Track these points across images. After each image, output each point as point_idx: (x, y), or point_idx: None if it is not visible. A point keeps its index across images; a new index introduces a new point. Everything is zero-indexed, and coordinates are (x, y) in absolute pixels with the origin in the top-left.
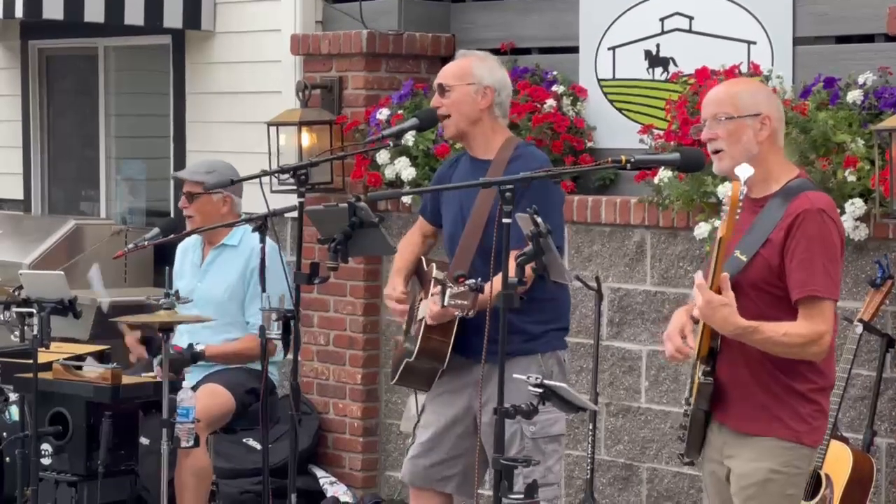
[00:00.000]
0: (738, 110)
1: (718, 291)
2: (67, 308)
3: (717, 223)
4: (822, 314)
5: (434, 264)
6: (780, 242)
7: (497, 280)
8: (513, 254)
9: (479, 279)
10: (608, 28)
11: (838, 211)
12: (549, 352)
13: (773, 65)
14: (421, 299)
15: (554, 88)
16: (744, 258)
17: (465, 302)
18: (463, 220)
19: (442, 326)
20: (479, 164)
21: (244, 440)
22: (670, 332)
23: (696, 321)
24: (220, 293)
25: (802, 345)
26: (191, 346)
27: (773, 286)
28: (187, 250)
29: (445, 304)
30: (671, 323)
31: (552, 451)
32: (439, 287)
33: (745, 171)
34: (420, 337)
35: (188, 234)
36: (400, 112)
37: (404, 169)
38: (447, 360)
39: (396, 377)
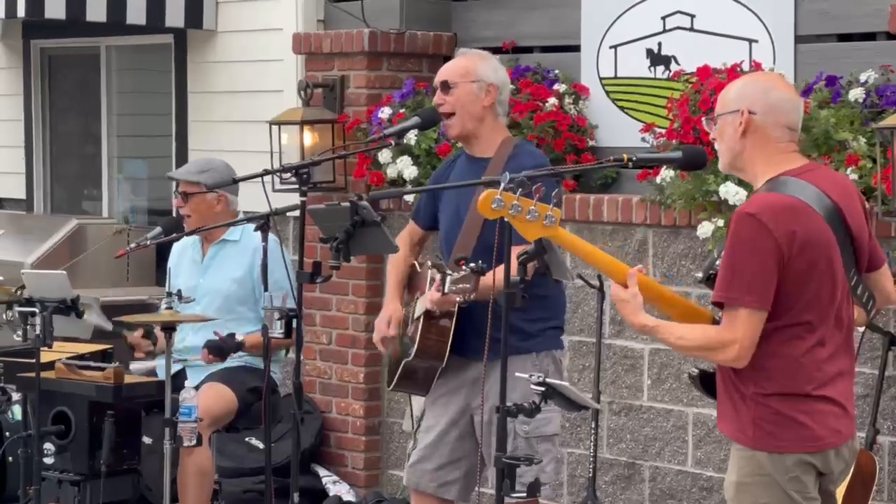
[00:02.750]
0: (722, 108)
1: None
2: (70, 307)
3: (720, 223)
4: (733, 321)
5: (429, 261)
6: None
7: (499, 270)
8: (515, 249)
9: (481, 261)
10: (610, 26)
11: (815, 213)
12: (545, 351)
13: (774, 63)
14: (417, 299)
15: (556, 87)
16: (715, 254)
17: (467, 286)
18: (459, 219)
19: (440, 325)
20: (477, 163)
21: (247, 439)
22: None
23: None
24: (225, 288)
25: (699, 349)
26: (232, 335)
27: None
28: (185, 248)
29: (447, 290)
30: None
31: (545, 450)
32: (440, 275)
33: (503, 178)
34: (419, 336)
35: (190, 234)
36: (402, 111)
37: (406, 168)
38: (446, 357)
39: (394, 382)
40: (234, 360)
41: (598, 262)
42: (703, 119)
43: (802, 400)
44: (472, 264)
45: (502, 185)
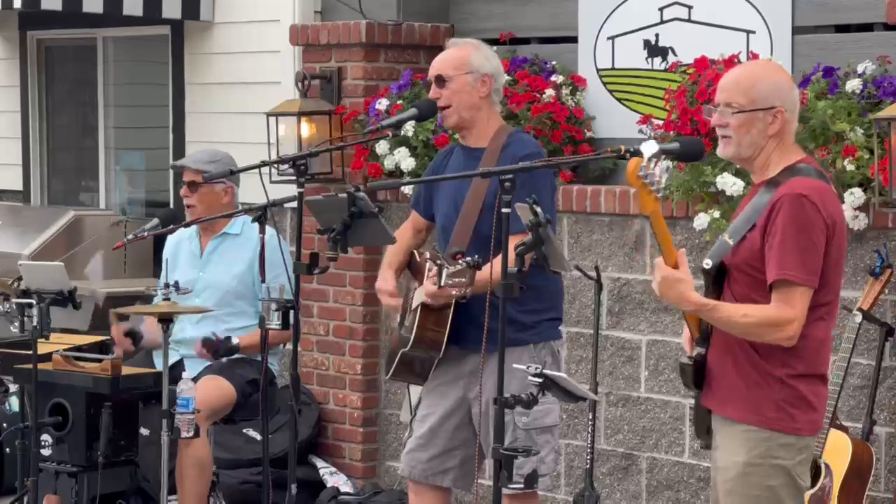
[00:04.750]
0: (752, 103)
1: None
2: (67, 299)
3: (717, 214)
4: (791, 299)
5: (427, 252)
6: (762, 226)
7: (496, 263)
8: (512, 238)
9: (477, 256)
10: (607, 18)
11: (838, 200)
12: (543, 342)
13: (772, 54)
14: (415, 289)
15: (553, 78)
16: (731, 242)
17: (463, 279)
18: (457, 210)
19: (437, 316)
20: (472, 153)
21: (244, 430)
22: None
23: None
24: (226, 281)
25: (763, 326)
26: (228, 338)
27: (756, 270)
28: (181, 241)
29: (443, 283)
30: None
31: (544, 441)
32: (436, 268)
33: (649, 147)
34: (416, 326)
35: (189, 225)
36: (399, 102)
37: (404, 159)
38: (443, 348)
39: (392, 371)
40: None
41: (665, 243)
42: (703, 107)
43: (818, 382)
44: (468, 258)
45: (648, 153)
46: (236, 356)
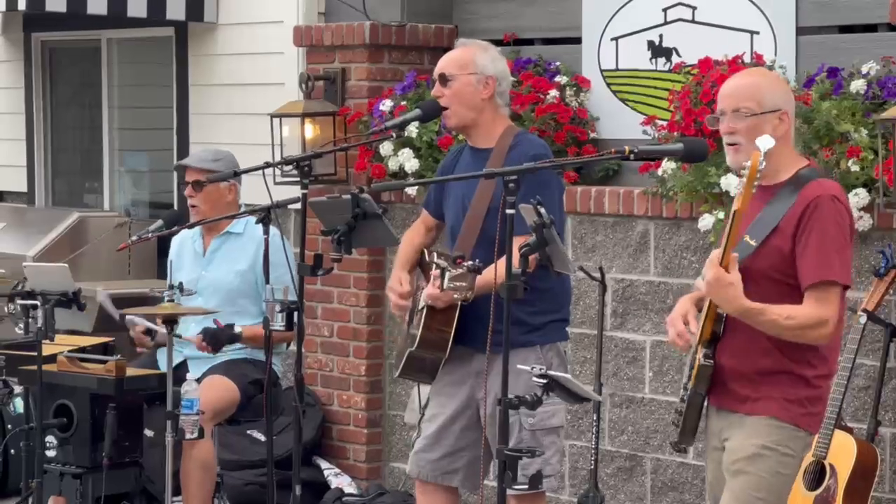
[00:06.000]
0: (761, 106)
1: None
2: (71, 300)
3: (721, 215)
4: (829, 299)
5: (435, 252)
6: (792, 229)
7: (500, 264)
8: (517, 240)
9: (478, 260)
10: (611, 18)
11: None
12: (549, 343)
13: (776, 55)
14: (422, 288)
15: (557, 79)
16: (753, 243)
17: (464, 283)
18: (464, 211)
19: (443, 316)
20: (479, 154)
21: (248, 432)
22: (673, 317)
23: (699, 309)
24: (229, 280)
25: (805, 327)
26: (231, 325)
27: (782, 273)
28: (185, 241)
29: (445, 287)
30: (675, 308)
31: (550, 443)
32: (439, 271)
33: (765, 142)
34: (421, 326)
35: (193, 226)
36: (403, 103)
37: (408, 160)
38: (449, 349)
39: (400, 370)
40: (235, 353)
41: (732, 244)
42: (707, 118)
43: (830, 380)
44: (468, 263)
45: (765, 148)
46: (239, 356)
